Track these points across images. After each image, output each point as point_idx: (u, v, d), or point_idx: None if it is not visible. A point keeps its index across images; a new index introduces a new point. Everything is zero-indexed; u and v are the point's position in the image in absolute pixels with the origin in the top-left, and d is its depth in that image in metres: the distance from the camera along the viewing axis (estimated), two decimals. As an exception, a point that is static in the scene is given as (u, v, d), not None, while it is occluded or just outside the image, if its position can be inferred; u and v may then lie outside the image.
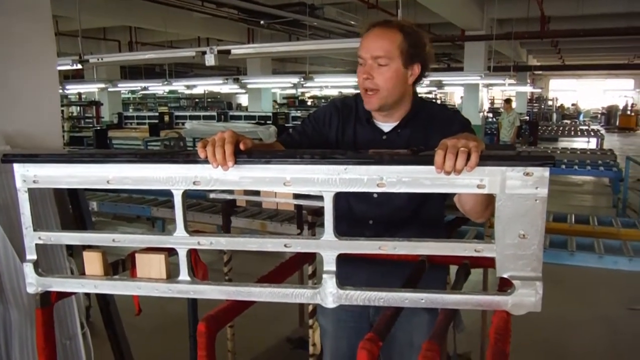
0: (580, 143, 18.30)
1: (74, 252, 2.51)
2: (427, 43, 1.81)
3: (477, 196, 1.47)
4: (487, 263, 1.45)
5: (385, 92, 1.75)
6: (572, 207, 8.26)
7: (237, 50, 5.75)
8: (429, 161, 1.19)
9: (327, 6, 9.39)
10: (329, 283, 1.30)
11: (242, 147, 1.30)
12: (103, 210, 5.54)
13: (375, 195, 1.83)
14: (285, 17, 9.17)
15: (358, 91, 1.88)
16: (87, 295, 3.42)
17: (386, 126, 1.86)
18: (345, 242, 1.29)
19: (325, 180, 1.25)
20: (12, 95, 2.38)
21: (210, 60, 5.42)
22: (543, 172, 1.16)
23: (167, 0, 9.00)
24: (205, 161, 1.29)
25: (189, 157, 1.33)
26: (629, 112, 27.84)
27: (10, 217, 2.11)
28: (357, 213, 1.86)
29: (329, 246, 1.29)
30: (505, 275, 1.22)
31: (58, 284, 1.50)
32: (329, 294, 1.31)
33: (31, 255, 1.46)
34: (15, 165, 1.41)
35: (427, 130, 1.81)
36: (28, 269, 1.46)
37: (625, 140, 21.72)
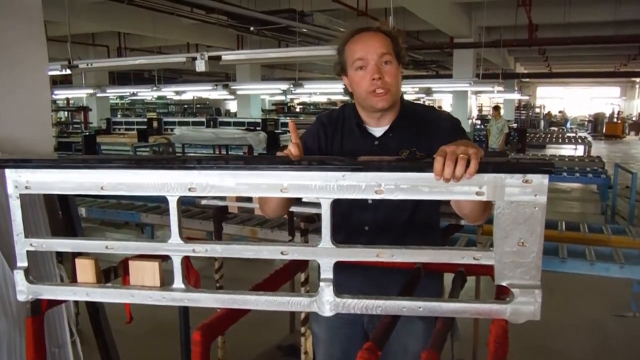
0: (567, 150, 18.42)
1: (63, 258, 2.48)
2: (404, 46, 1.83)
3: (475, 201, 1.46)
4: (483, 271, 1.44)
5: (394, 89, 1.75)
6: (560, 214, 8.29)
7: (228, 56, 5.74)
8: (428, 168, 1.18)
9: (316, 13, 9.38)
10: (326, 291, 1.29)
11: None
12: (91, 216, 5.50)
13: (369, 201, 1.82)
14: (275, 24, 9.16)
15: (347, 98, 1.88)
16: (76, 302, 3.38)
17: (378, 131, 1.85)
18: (342, 249, 1.28)
19: (323, 186, 1.23)
20: (2, 101, 2.35)
21: (200, 66, 5.40)
22: (542, 180, 1.15)
23: (156, 6, 8.97)
24: (202, 167, 1.28)
25: (184, 163, 1.31)
26: (615, 120, 28.08)
27: (-1, 224, 2.08)
28: (352, 220, 1.84)
29: (326, 254, 1.27)
30: (503, 283, 1.22)
31: (49, 292, 1.47)
32: (326, 302, 1.29)
33: (22, 263, 1.43)
34: (7, 171, 1.38)
35: (418, 132, 1.81)
36: (19, 277, 1.43)
37: (612, 148, 21.90)
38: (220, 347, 2.88)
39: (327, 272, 1.28)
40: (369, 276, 1.82)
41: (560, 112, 33.86)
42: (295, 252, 1.34)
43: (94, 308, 2.66)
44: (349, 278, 1.72)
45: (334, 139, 1.88)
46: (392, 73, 1.74)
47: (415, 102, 2.17)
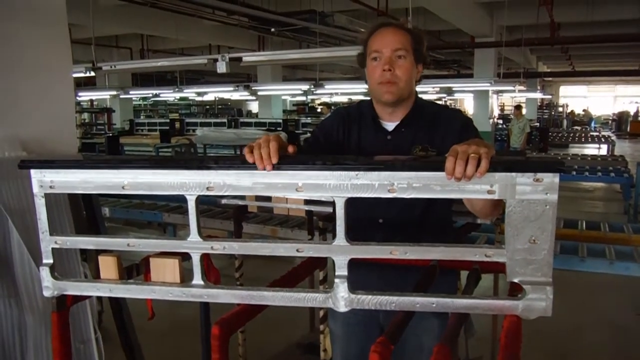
0: (591, 149, 18.19)
1: (88, 256, 2.54)
2: (426, 46, 1.88)
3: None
4: (498, 268, 1.45)
5: (402, 84, 1.80)
6: (582, 213, 8.21)
7: (249, 57, 5.77)
8: (440, 167, 1.20)
9: (337, 14, 9.40)
10: (341, 287, 1.32)
11: (290, 149, 1.37)
12: (115, 216, 5.58)
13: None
14: (296, 25, 9.19)
15: (367, 99, 1.93)
16: (99, 299, 3.44)
17: (390, 125, 1.91)
18: (356, 246, 1.30)
19: (337, 185, 1.26)
20: (29, 102, 2.41)
21: (222, 67, 5.44)
22: (553, 178, 1.17)
23: (178, 8, 9.06)
24: (219, 167, 1.31)
25: (202, 163, 1.35)
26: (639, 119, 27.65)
27: (25, 222, 2.14)
28: (366, 213, 1.87)
29: (340, 251, 1.30)
30: (515, 280, 1.23)
31: (74, 288, 1.52)
32: (341, 298, 1.32)
33: (47, 259, 1.48)
34: (32, 171, 1.43)
35: (430, 129, 1.85)
36: (44, 273, 1.49)
37: (637, 147, 21.56)
38: (241, 344, 2.92)
39: (341, 269, 1.31)
40: (386, 277, 1.83)
41: (584, 111, 33.38)
42: (310, 250, 1.37)
43: (117, 306, 2.71)
44: (366, 279, 1.75)
45: (351, 132, 1.94)
46: (405, 67, 1.79)
47: (430, 100, 2.20)
